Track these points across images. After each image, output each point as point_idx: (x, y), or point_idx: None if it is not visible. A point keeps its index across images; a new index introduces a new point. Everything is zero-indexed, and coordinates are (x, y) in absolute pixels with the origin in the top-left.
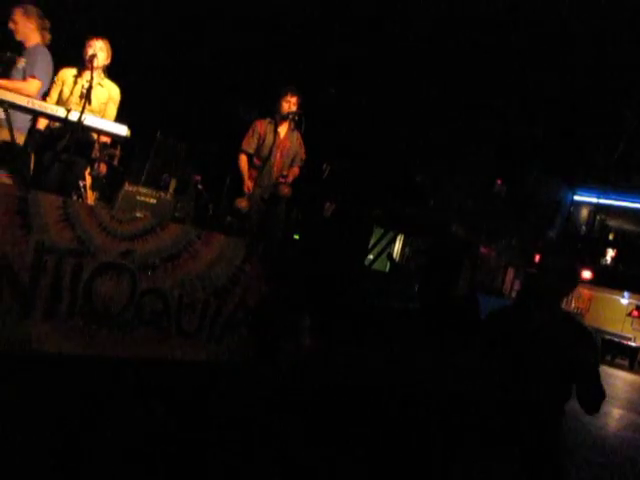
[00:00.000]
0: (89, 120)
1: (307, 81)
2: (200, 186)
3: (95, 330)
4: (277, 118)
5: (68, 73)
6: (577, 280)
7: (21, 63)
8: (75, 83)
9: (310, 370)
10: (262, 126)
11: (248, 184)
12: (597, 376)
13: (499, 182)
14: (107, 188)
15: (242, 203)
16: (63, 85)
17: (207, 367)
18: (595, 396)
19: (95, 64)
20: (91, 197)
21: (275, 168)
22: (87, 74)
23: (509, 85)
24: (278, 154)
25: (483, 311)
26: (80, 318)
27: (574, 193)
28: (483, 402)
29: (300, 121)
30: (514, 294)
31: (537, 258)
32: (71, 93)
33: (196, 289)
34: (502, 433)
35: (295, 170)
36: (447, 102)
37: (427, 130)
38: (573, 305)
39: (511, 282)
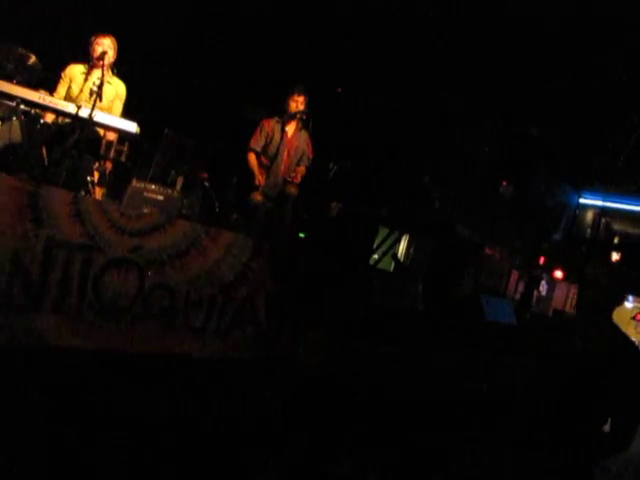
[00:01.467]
0: (99, 117)
1: (314, 81)
2: (207, 183)
3: (103, 324)
4: (285, 117)
5: (76, 70)
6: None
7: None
8: (85, 80)
9: (316, 368)
10: (270, 125)
11: (259, 178)
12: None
13: (504, 184)
14: (115, 184)
15: (257, 197)
16: (71, 82)
17: (213, 363)
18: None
19: (106, 61)
20: (99, 193)
21: (282, 167)
22: (97, 71)
23: (515, 86)
24: (285, 153)
25: (487, 312)
26: (88, 312)
27: (580, 196)
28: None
29: (308, 120)
30: (518, 296)
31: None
32: (80, 90)
33: (203, 285)
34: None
35: (302, 169)
36: (453, 103)
37: (434, 131)
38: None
39: (515, 284)
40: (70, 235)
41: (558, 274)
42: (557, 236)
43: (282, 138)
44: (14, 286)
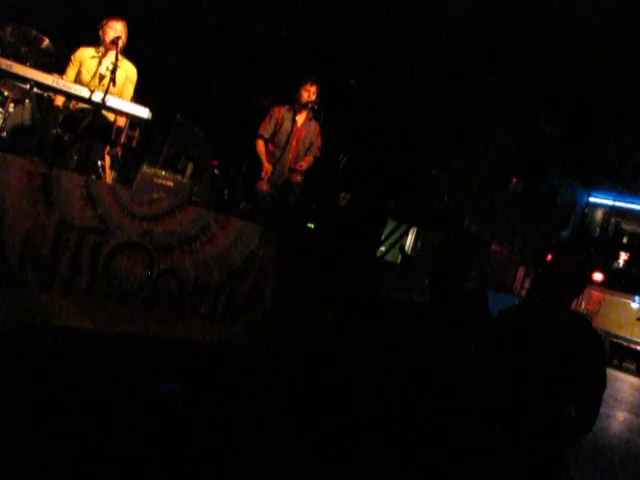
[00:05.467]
0: (111, 101)
1: (327, 71)
2: (217, 171)
3: (112, 307)
4: (296, 106)
5: (86, 53)
6: (584, 283)
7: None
8: (98, 64)
9: (322, 355)
10: (280, 112)
11: (267, 167)
12: (597, 390)
13: (514, 180)
14: (125, 169)
15: (263, 186)
16: (81, 65)
17: (220, 348)
18: (584, 412)
19: (120, 45)
20: (109, 177)
21: (290, 155)
22: (110, 55)
23: (526, 83)
24: (294, 142)
25: (491, 307)
26: (98, 295)
27: (589, 194)
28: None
29: (319, 111)
30: (524, 292)
31: (549, 258)
32: (91, 74)
33: (211, 271)
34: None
35: (309, 159)
36: (465, 97)
37: (444, 125)
38: (583, 307)
39: (521, 280)
40: (81, 218)
41: (598, 277)
42: (565, 234)
43: (292, 127)
44: (25, 267)
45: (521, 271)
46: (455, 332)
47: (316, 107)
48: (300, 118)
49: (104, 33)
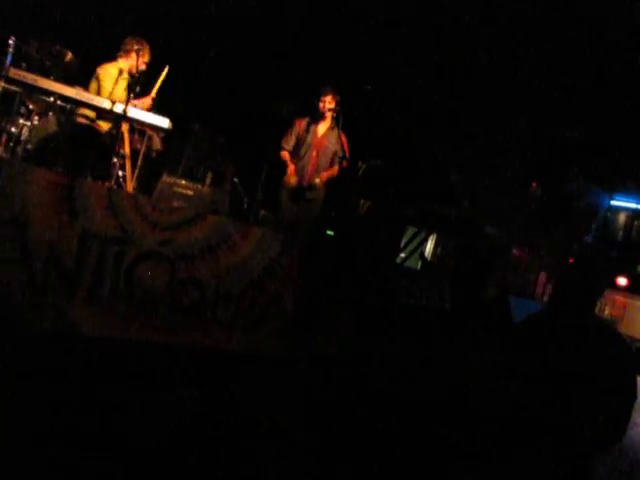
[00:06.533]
0: (133, 112)
1: (343, 78)
2: (236, 179)
3: (134, 316)
4: (315, 117)
5: (110, 69)
6: (604, 284)
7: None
8: (117, 79)
9: (343, 365)
10: (300, 125)
11: (291, 178)
12: (627, 399)
13: (534, 184)
14: (145, 179)
15: (292, 178)
16: (104, 81)
17: (241, 356)
18: (614, 422)
19: (141, 58)
20: (130, 187)
21: (310, 167)
22: (130, 69)
23: (547, 86)
24: (314, 153)
25: (514, 313)
26: (121, 303)
27: (611, 198)
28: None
29: (337, 118)
30: (546, 297)
31: (571, 262)
32: (113, 89)
33: (232, 280)
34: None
35: (335, 169)
36: (484, 102)
37: (463, 130)
38: (607, 312)
39: (543, 285)
40: (104, 227)
41: (622, 281)
42: (588, 238)
43: (312, 138)
44: (50, 276)
45: (543, 276)
46: (478, 338)
47: (335, 115)
48: (321, 129)
49: (127, 50)
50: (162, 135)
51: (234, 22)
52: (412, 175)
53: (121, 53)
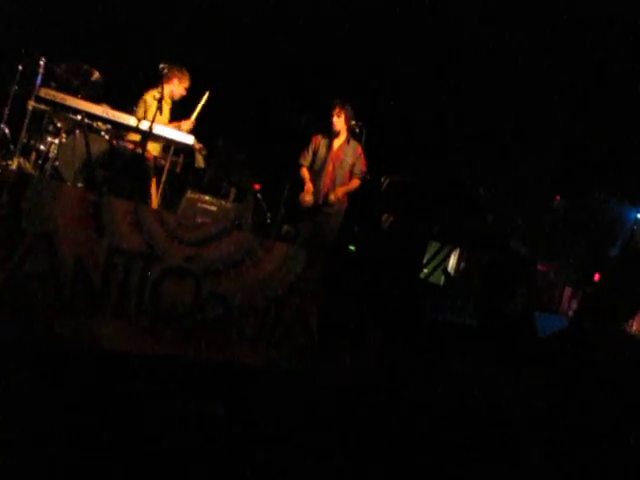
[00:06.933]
0: (158, 129)
1: (367, 93)
2: (259, 195)
3: (160, 331)
4: (331, 131)
5: (155, 94)
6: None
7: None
8: (159, 103)
9: (367, 381)
10: (317, 140)
11: (308, 186)
12: None
13: (558, 198)
14: (170, 195)
15: (307, 197)
16: (151, 105)
17: (265, 371)
18: None
19: (181, 84)
20: (155, 203)
21: (327, 180)
22: (171, 94)
23: (572, 98)
24: (330, 167)
25: (541, 329)
26: (146, 319)
27: (638, 211)
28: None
29: (360, 132)
30: (571, 313)
31: (597, 277)
32: (155, 113)
33: (257, 296)
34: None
35: (354, 182)
36: (508, 115)
37: (487, 143)
38: (634, 328)
39: (568, 301)
40: (130, 243)
41: None
42: (613, 252)
43: (327, 152)
44: (77, 291)
45: (568, 291)
46: (505, 354)
47: (357, 129)
48: (336, 142)
49: (170, 79)
50: (205, 154)
51: (256, 38)
52: (435, 190)
53: (163, 79)
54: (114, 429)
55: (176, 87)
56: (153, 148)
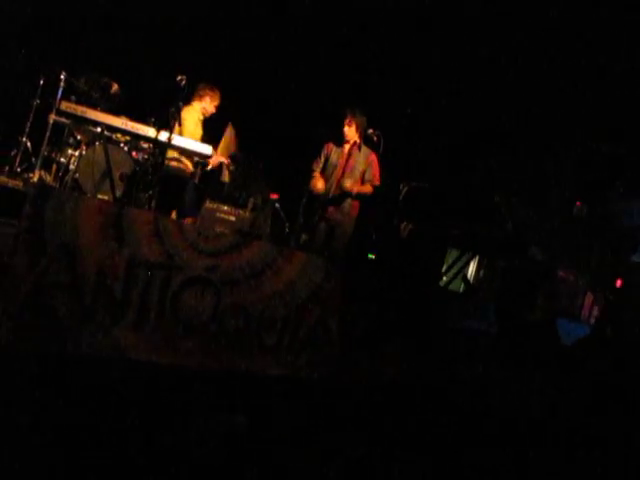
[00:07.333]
0: (177, 140)
1: (383, 101)
2: (277, 204)
3: (180, 341)
4: (342, 140)
5: (192, 112)
6: None
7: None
8: (198, 120)
9: (388, 389)
10: (329, 147)
11: (318, 175)
12: None
13: (578, 204)
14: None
15: (318, 184)
16: (189, 123)
17: (285, 381)
18: None
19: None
20: (174, 213)
21: (335, 183)
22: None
23: (593, 103)
24: (340, 171)
25: (563, 337)
26: (166, 329)
27: None
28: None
29: (378, 141)
30: (593, 320)
31: (619, 283)
32: (194, 130)
33: (277, 305)
34: None
35: (367, 187)
36: (526, 120)
37: (506, 150)
38: None
39: (590, 307)
40: (150, 254)
41: None
42: (636, 258)
43: (338, 158)
44: (98, 302)
45: (589, 298)
46: (527, 362)
47: (374, 138)
48: (347, 150)
49: (202, 97)
50: (232, 169)
51: (274, 50)
52: (454, 197)
53: (196, 97)
54: (134, 439)
55: (208, 105)
56: (187, 163)
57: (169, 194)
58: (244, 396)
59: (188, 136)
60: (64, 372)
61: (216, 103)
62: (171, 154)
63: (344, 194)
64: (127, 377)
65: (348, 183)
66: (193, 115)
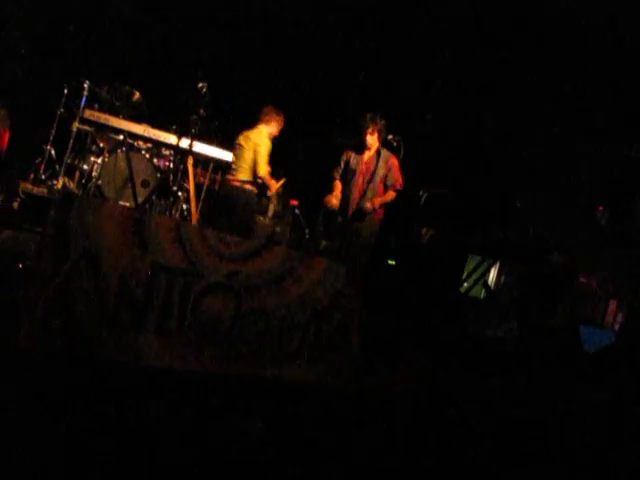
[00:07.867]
0: (197, 147)
1: (404, 108)
2: (297, 211)
3: (201, 347)
4: (363, 146)
5: (264, 138)
6: None
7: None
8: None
9: (409, 396)
10: (349, 153)
11: (337, 192)
12: None
13: (601, 209)
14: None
15: (332, 200)
16: (265, 149)
17: (306, 387)
18: None
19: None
20: (195, 219)
21: (356, 192)
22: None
23: (614, 110)
24: (360, 179)
25: (586, 343)
26: (188, 335)
27: None
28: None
29: (399, 146)
30: (617, 327)
31: None
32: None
33: (297, 311)
34: None
35: (390, 194)
36: (548, 125)
37: (527, 156)
38: None
39: (613, 314)
40: (172, 260)
41: None
42: None
43: (357, 164)
44: (121, 307)
45: (613, 304)
46: (550, 369)
47: (394, 144)
48: (366, 155)
49: (269, 121)
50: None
51: (296, 58)
52: (475, 203)
53: (263, 121)
54: (155, 444)
55: (274, 129)
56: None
57: (236, 215)
58: (265, 402)
59: (264, 162)
60: (86, 377)
61: (281, 127)
62: (243, 176)
63: (364, 213)
64: (148, 382)
65: (368, 204)
66: (265, 141)
